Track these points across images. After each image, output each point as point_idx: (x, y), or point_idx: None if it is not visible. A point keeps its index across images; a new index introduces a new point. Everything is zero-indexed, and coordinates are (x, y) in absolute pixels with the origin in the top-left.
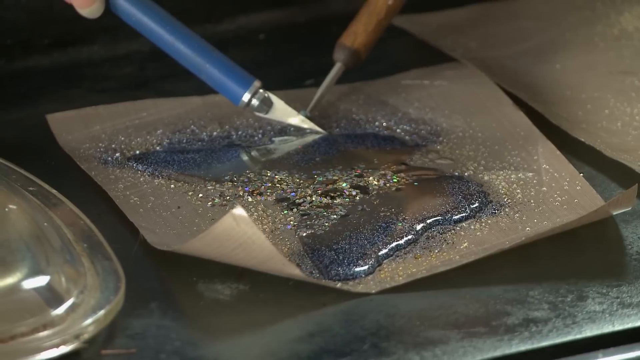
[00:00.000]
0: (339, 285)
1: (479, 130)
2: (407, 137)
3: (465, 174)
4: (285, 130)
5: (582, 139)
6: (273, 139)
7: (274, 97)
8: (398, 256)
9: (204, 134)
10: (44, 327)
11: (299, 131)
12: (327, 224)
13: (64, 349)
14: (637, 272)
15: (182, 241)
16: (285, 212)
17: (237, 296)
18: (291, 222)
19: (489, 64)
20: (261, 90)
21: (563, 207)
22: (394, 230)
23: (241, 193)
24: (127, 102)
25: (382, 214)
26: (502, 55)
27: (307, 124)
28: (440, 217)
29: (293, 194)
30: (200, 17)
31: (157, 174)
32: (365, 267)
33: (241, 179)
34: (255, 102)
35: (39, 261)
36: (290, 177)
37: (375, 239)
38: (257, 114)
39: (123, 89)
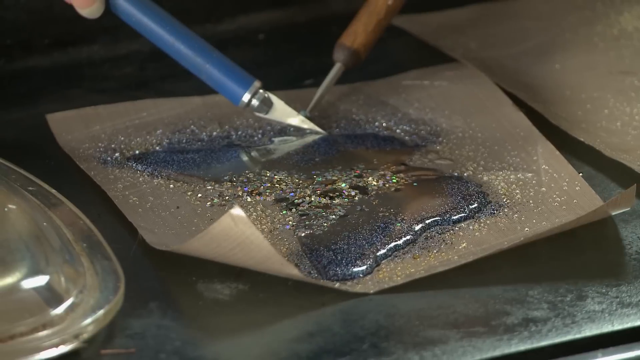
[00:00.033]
0: (337, 285)
1: (479, 130)
2: (406, 137)
3: (465, 174)
4: (285, 130)
5: (582, 139)
6: (273, 139)
7: (273, 98)
8: (397, 256)
9: (204, 134)
10: (44, 327)
11: (298, 131)
12: (325, 224)
13: (63, 349)
14: (636, 271)
15: (180, 241)
16: (284, 212)
17: (237, 296)
18: (290, 222)
19: (489, 64)
20: (261, 91)
21: (562, 208)
22: (393, 231)
23: (240, 193)
24: (127, 102)
25: (381, 214)
26: (502, 55)
27: (307, 124)
28: (439, 218)
29: (292, 194)
30: (200, 17)
31: (156, 174)
32: (364, 268)
33: (240, 179)
34: (255, 102)
35: (39, 261)
36: (289, 177)
37: (374, 239)
38: (257, 114)
39: (123, 89)
